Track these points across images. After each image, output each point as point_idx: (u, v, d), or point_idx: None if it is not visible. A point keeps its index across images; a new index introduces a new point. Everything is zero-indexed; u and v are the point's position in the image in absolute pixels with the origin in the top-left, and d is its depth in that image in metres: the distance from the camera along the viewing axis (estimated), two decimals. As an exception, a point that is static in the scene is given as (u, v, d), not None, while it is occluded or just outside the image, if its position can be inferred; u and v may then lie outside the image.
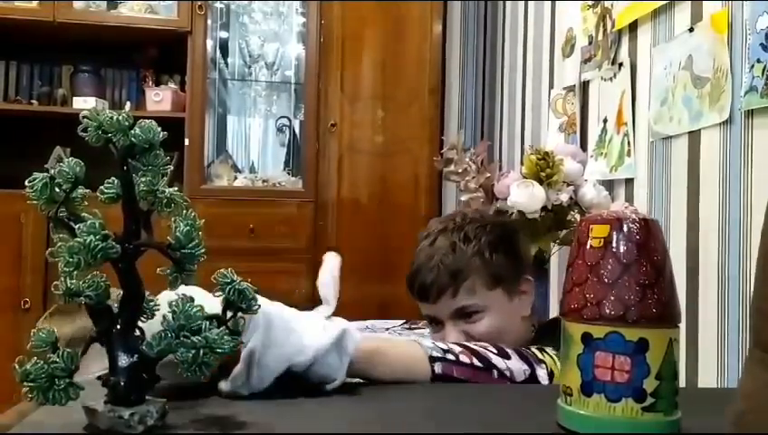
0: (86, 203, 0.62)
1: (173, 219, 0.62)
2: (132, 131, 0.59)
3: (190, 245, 0.61)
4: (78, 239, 0.57)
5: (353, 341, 0.80)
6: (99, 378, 0.62)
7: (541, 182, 1.36)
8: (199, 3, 3.00)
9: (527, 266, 1.23)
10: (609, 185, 1.97)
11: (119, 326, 0.62)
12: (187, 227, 0.61)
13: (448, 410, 0.76)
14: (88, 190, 0.63)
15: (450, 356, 0.92)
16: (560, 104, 2.41)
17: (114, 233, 0.60)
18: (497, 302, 1.14)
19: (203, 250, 0.62)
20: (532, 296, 1.21)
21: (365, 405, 0.77)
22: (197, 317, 0.61)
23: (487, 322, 1.13)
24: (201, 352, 0.59)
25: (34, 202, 0.60)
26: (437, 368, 0.90)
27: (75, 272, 0.58)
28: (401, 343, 1.00)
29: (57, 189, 0.60)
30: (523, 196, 1.34)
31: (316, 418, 0.72)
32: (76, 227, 0.58)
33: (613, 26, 2.01)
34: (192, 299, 0.64)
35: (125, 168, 0.60)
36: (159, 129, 0.61)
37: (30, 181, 0.60)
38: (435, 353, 0.91)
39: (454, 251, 1.13)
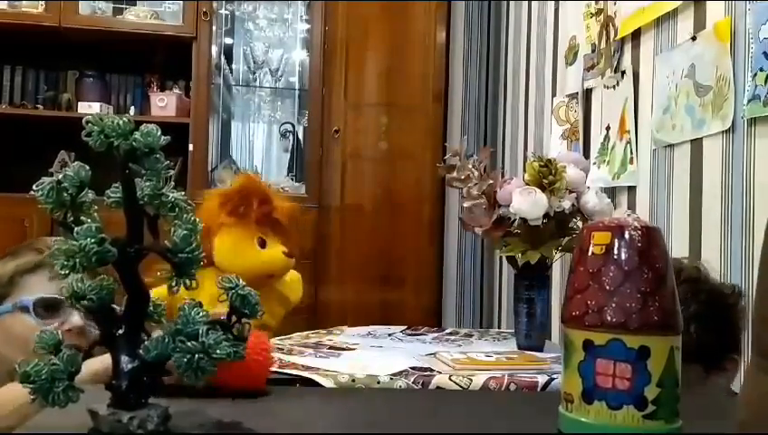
0: (95, 207, 0.62)
1: (173, 223, 0.62)
2: (133, 136, 0.60)
3: (188, 248, 0.61)
4: (74, 242, 0.57)
5: None
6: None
7: (543, 189, 1.35)
8: (204, 9, 3.01)
9: (737, 343, 1.10)
10: (612, 192, 1.97)
11: (122, 330, 0.62)
12: (185, 232, 0.61)
13: (449, 415, 0.76)
14: (92, 194, 0.63)
15: None
16: (562, 112, 2.42)
17: (118, 237, 0.60)
18: (691, 375, 1.05)
19: (202, 254, 0.62)
20: (732, 376, 1.10)
21: (366, 406, 0.77)
22: (196, 322, 0.61)
23: None
24: (197, 356, 0.60)
25: (43, 206, 0.60)
26: None
27: (72, 275, 0.58)
28: None
29: (64, 194, 0.60)
30: (526, 203, 1.34)
31: (317, 418, 0.72)
32: (74, 230, 0.59)
33: (616, 34, 2.02)
34: (200, 304, 0.64)
35: (126, 172, 0.60)
36: (160, 133, 0.62)
37: (37, 186, 0.60)
38: None
39: None
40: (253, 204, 1.31)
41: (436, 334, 1.60)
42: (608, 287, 0.62)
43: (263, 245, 1.33)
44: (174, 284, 0.63)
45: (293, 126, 3.41)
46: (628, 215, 1.69)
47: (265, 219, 1.34)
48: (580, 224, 1.60)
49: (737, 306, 1.13)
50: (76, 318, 1.14)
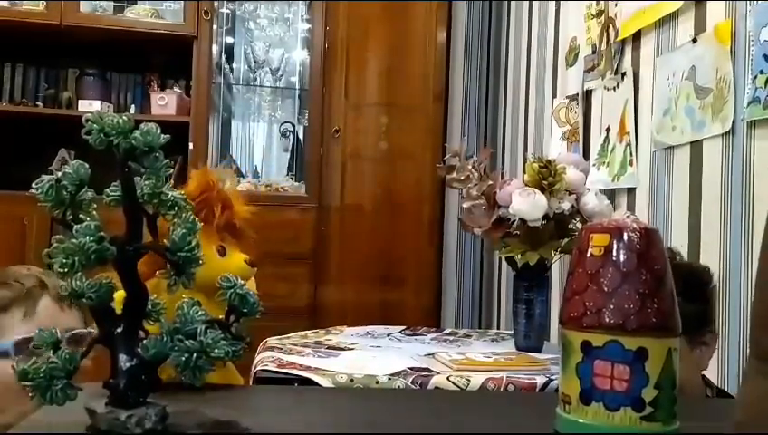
0: (94, 205, 0.62)
1: (172, 222, 0.62)
2: (133, 134, 0.60)
3: (187, 248, 0.61)
4: (73, 241, 0.58)
5: None
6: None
7: (543, 190, 1.35)
8: (205, 8, 3.01)
9: (712, 319, 1.20)
10: (612, 194, 1.97)
11: (121, 328, 0.62)
12: (184, 230, 0.61)
13: (448, 415, 0.76)
14: (91, 192, 0.63)
15: None
16: (563, 113, 2.42)
17: (116, 235, 0.60)
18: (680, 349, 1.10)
19: (201, 253, 0.62)
20: (712, 350, 1.18)
21: (365, 406, 0.77)
22: (195, 321, 0.61)
23: None
24: (195, 356, 0.60)
25: (43, 204, 0.60)
26: None
27: (70, 273, 0.58)
28: None
29: (63, 192, 0.60)
30: (525, 204, 1.34)
31: (316, 418, 0.72)
32: (74, 228, 0.59)
33: (617, 36, 2.02)
34: (198, 303, 0.64)
35: (126, 170, 0.60)
36: (160, 132, 0.62)
37: (36, 183, 0.60)
38: None
39: None
40: (215, 211, 1.22)
41: (434, 335, 1.60)
42: (606, 289, 0.62)
43: (222, 252, 1.25)
44: (173, 282, 0.63)
45: (294, 126, 3.41)
46: (628, 216, 1.70)
47: (225, 225, 1.25)
48: (579, 225, 1.60)
49: (711, 284, 1.21)
50: None
